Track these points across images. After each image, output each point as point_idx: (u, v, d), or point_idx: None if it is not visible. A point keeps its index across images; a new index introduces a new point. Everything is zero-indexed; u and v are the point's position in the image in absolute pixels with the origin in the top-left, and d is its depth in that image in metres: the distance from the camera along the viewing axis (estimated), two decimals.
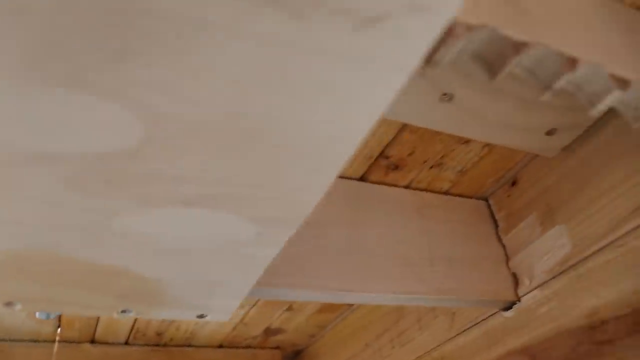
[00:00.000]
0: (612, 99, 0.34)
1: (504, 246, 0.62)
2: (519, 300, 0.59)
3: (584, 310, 0.52)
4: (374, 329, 0.81)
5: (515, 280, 0.60)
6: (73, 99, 0.22)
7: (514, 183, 0.63)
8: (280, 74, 0.22)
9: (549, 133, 0.51)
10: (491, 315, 0.62)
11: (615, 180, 0.51)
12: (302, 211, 0.31)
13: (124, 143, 0.24)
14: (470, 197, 0.64)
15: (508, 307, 0.60)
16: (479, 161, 0.58)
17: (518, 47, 0.30)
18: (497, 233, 0.63)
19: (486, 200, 0.66)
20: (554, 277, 0.56)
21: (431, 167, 0.58)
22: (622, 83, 0.34)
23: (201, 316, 0.43)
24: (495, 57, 0.30)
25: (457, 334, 0.66)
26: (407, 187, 0.60)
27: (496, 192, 0.65)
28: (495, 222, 0.64)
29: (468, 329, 0.65)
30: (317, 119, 0.24)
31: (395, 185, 0.59)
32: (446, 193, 0.63)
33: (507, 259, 0.62)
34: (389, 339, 0.78)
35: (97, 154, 0.25)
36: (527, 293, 0.58)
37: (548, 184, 0.58)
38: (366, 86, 0.23)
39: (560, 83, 0.32)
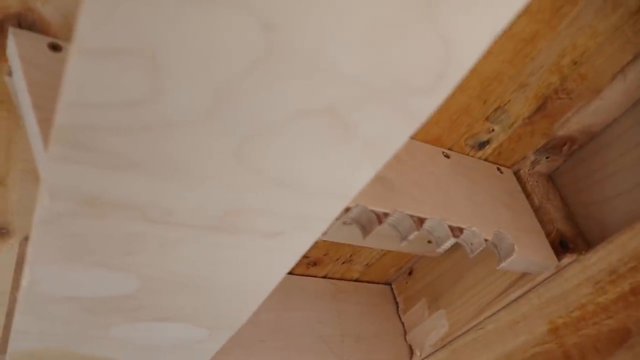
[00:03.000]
0: (451, 242, 0.51)
1: (402, 323, 0.79)
2: None
3: None
4: None
5: (411, 351, 0.76)
6: (96, 271, 0.36)
7: (410, 273, 0.79)
8: (221, 259, 0.37)
9: (430, 242, 0.68)
10: None
11: (477, 278, 0.68)
12: (239, 322, 0.46)
13: (124, 291, 0.39)
14: (377, 283, 0.81)
15: None
16: (381, 257, 0.75)
17: (381, 216, 0.46)
18: (397, 312, 0.80)
19: (390, 284, 0.82)
20: (437, 350, 0.72)
21: (343, 263, 0.74)
22: (457, 231, 0.51)
23: None
24: (366, 222, 0.47)
25: None
26: (324, 277, 0.76)
27: (397, 279, 0.81)
28: (396, 303, 0.80)
29: None
30: (244, 280, 0.39)
31: (315, 276, 0.75)
32: (356, 280, 0.79)
33: (405, 333, 0.78)
34: None
35: (107, 296, 0.39)
36: None
37: (434, 277, 0.75)
38: (275, 262, 0.38)
39: (412, 237, 0.49)
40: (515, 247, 0.54)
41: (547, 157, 0.64)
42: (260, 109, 0.27)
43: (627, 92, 0.58)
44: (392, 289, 0.82)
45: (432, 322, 0.73)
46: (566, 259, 0.58)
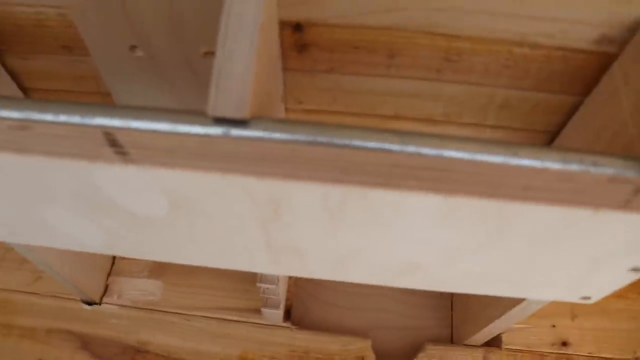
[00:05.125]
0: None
1: (113, 264, 0.84)
2: (99, 304, 0.81)
3: (136, 339, 0.79)
4: None
5: (106, 290, 0.82)
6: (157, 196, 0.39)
7: None
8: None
9: None
10: (74, 300, 0.81)
11: (217, 285, 0.82)
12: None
13: (151, 212, 0.41)
14: None
15: (90, 304, 0.81)
16: None
17: None
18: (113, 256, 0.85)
19: None
20: (132, 307, 0.81)
21: None
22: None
23: None
24: None
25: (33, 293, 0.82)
26: None
27: None
28: None
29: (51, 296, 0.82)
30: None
31: None
32: None
33: (110, 274, 0.84)
34: None
35: (131, 210, 0.40)
36: (109, 304, 0.81)
37: None
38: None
39: None
40: (281, 305, 0.72)
41: None
42: None
43: None
44: None
45: (146, 285, 0.82)
46: (285, 324, 0.78)
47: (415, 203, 0.34)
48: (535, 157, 0.35)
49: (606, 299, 0.46)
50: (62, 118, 0.39)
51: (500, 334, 0.77)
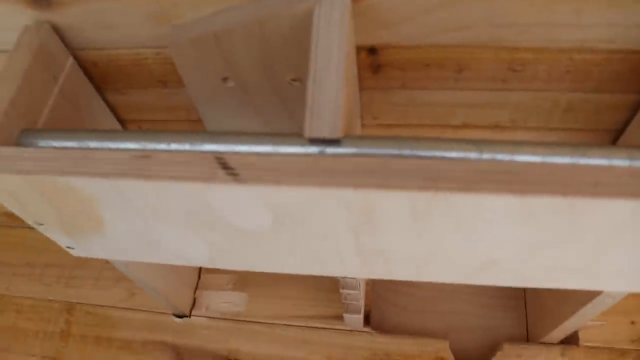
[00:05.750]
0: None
1: (200, 278, 0.91)
2: (189, 316, 0.87)
3: (226, 348, 0.85)
4: None
5: (194, 304, 0.89)
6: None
7: None
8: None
9: None
10: (166, 314, 0.88)
11: (293, 292, 0.86)
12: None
13: (260, 227, 0.46)
14: None
15: (180, 316, 0.87)
16: None
17: None
18: (199, 270, 0.91)
19: None
20: (220, 319, 0.87)
21: None
22: None
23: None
24: None
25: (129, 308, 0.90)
26: None
27: None
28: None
29: (145, 311, 0.89)
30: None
31: None
32: None
33: (197, 288, 0.90)
34: None
35: (245, 228, 0.46)
36: (198, 316, 0.87)
37: None
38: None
39: None
40: (361, 311, 0.76)
41: None
42: None
43: None
44: None
45: (232, 297, 0.88)
46: (366, 329, 0.82)
47: (493, 204, 0.37)
48: (603, 155, 0.38)
49: None
50: (174, 146, 0.45)
51: (576, 331, 0.78)
